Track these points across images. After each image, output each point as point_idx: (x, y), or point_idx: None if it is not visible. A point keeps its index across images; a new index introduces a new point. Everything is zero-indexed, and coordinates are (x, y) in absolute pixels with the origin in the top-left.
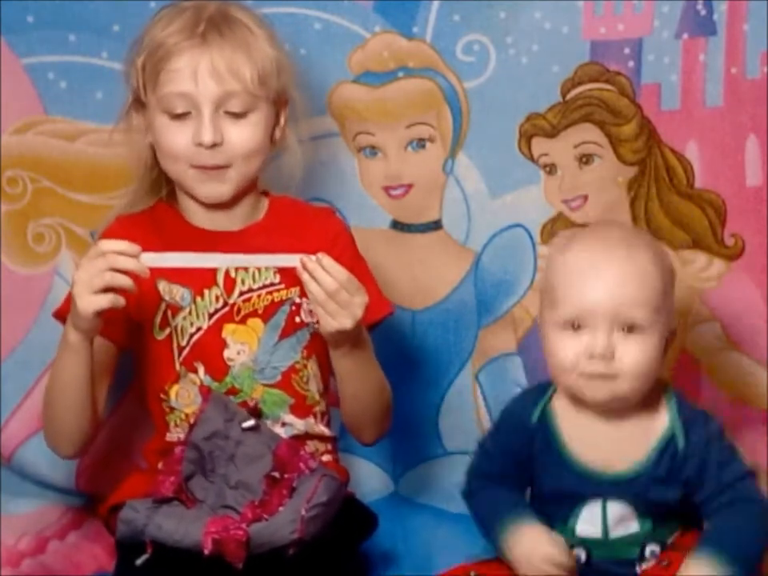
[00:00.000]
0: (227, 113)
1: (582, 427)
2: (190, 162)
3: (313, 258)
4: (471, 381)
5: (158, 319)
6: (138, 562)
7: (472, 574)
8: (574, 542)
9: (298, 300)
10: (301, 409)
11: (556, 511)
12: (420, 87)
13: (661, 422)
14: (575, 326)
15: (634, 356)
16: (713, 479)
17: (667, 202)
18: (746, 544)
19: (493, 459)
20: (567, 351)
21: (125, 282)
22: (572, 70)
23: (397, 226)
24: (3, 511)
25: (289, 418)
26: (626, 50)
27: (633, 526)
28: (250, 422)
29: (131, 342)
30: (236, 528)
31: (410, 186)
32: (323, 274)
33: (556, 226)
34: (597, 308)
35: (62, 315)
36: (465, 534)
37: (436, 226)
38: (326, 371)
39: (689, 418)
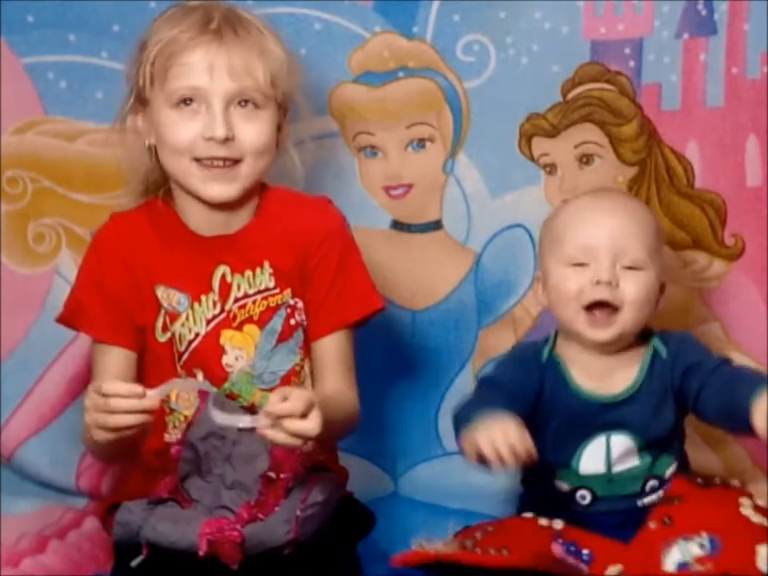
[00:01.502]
0: (238, 109)
1: (585, 361)
2: (195, 156)
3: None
4: (471, 381)
5: (160, 323)
6: (133, 563)
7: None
8: (578, 483)
9: (291, 302)
10: None
11: (561, 453)
12: (420, 87)
13: (646, 346)
14: (579, 262)
15: (635, 288)
16: (701, 367)
17: (667, 202)
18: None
19: (499, 388)
20: (571, 282)
21: (129, 421)
22: (572, 70)
23: (397, 225)
24: (3, 511)
25: None
26: (627, 50)
27: (634, 461)
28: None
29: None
30: (231, 529)
31: (410, 185)
32: (294, 423)
33: None
34: (600, 244)
35: (64, 320)
36: None
37: (436, 226)
38: None
39: (665, 335)
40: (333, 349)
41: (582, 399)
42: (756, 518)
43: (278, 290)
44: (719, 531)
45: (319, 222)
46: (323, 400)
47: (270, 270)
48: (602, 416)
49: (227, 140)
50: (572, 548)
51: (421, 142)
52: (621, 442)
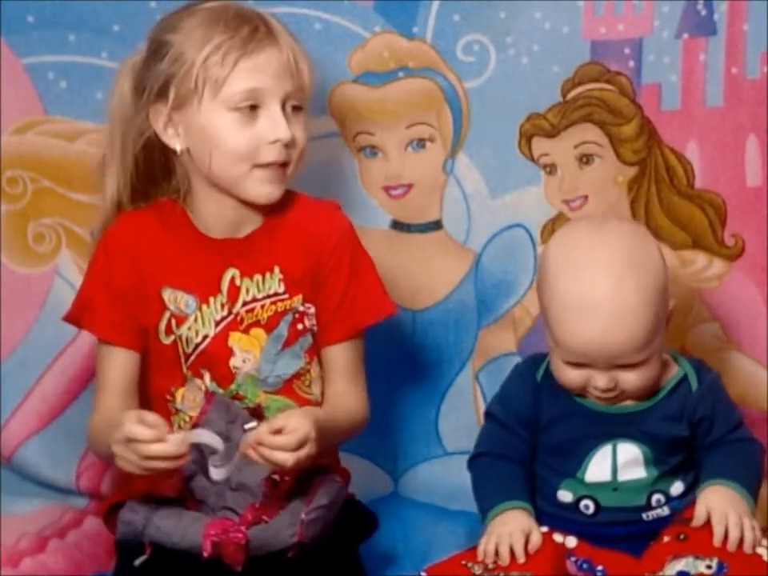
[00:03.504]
0: (291, 109)
1: None
2: (256, 162)
3: (251, 442)
4: (471, 381)
5: (163, 326)
6: (137, 562)
7: (464, 562)
8: (582, 492)
9: (301, 308)
10: None
11: (566, 464)
12: (420, 87)
13: (671, 365)
14: (574, 363)
15: (637, 381)
16: (723, 420)
17: (667, 202)
18: (751, 476)
19: (500, 425)
20: (572, 378)
21: (164, 466)
22: (572, 70)
23: (397, 225)
24: (3, 511)
25: None
26: (627, 50)
27: (640, 472)
28: (252, 424)
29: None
30: (235, 531)
31: (410, 185)
32: (273, 453)
33: (556, 226)
34: (592, 354)
35: (71, 319)
36: (464, 533)
37: (436, 226)
38: None
39: (696, 363)
40: (345, 355)
41: (587, 413)
42: None
43: (287, 296)
44: (730, 560)
45: (330, 227)
46: (331, 415)
47: (281, 276)
48: (610, 426)
49: (289, 142)
50: (585, 565)
51: (421, 142)
52: (627, 450)
